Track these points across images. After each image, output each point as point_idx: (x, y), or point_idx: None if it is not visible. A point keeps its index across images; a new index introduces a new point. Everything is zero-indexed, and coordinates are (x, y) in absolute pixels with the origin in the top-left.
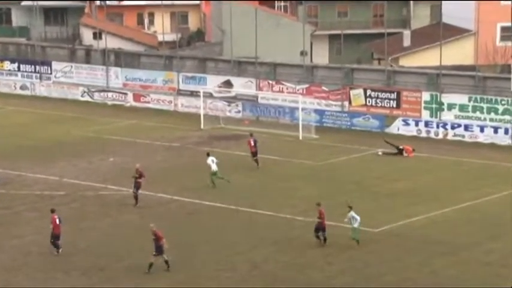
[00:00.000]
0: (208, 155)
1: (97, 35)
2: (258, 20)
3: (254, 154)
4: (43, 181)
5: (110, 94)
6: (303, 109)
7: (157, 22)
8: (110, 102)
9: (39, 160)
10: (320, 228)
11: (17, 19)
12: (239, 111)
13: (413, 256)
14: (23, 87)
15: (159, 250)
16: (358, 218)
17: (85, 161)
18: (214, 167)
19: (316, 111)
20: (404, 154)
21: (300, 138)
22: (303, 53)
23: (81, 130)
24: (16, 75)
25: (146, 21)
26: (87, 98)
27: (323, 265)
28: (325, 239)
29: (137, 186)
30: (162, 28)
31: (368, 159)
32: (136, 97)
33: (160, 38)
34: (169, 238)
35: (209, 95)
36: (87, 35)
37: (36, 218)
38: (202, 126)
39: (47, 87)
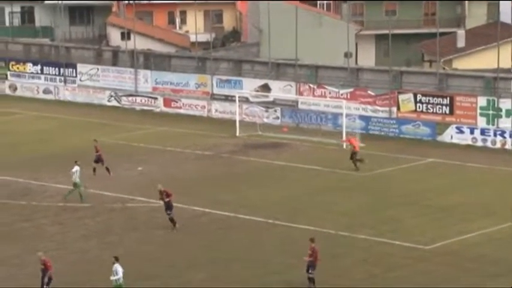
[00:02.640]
0: (75, 162)
1: (125, 35)
2: (299, 19)
3: None
4: (66, 192)
5: (138, 99)
6: (347, 115)
7: (189, 21)
8: (138, 108)
9: (62, 169)
10: (311, 266)
11: (41, 18)
12: (277, 118)
13: (466, 277)
14: (46, 91)
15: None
16: (120, 272)
17: (111, 170)
18: (76, 178)
19: (361, 117)
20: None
21: (344, 147)
22: (347, 55)
23: (107, 137)
24: (39, 78)
25: (178, 20)
26: (114, 103)
27: (368, 286)
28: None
29: (168, 207)
30: (195, 28)
31: (418, 170)
32: (167, 102)
33: (192, 38)
34: (200, 254)
35: (245, 100)
36: (114, 35)
37: (59, 231)
38: (237, 134)
39: (72, 91)
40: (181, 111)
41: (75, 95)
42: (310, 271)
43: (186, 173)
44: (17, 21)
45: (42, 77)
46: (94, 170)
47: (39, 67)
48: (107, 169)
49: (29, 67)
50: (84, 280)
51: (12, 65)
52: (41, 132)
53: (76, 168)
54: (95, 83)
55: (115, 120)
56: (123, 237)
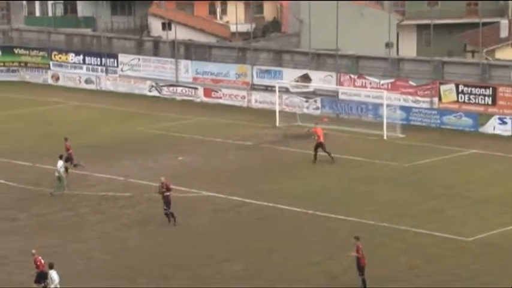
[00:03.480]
0: (60, 157)
1: (166, 26)
2: (340, 10)
3: None
4: (107, 181)
5: (179, 89)
6: (387, 106)
7: (230, 12)
8: (179, 98)
9: (103, 159)
10: (359, 266)
11: (83, 9)
12: (318, 108)
13: (507, 269)
14: (88, 81)
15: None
16: (56, 279)
17: (151, 160)
18: (61, 173)
19: (402, 108)
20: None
21: (385, 137)
22: (388, 45)
23: (148, 127)
24: (81, 68)
25: (218, 10)
26: (154, 93)
27: (408, 277)
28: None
29: (166, 202)
30: (236, 18)
31: (459, 161)
32: (207, 92)
33: (233, 28)
34: (241, 244)
35: (285, 90)
36: (155, 26)
37: (100, 221)
38: (277, 124)
39: (113, 81)
40: (222, 101)
41: (116, 85)
42: (362, 272)
43: (227, 163)
44: (59, 12)
45: (84, 67)
46: (66, 169)
47: (81, 57)
48: (75, 166)
49: (71, 57)
50: (124, 269)
51: (55, 55)
52: (82, 121)
53: (60, 163)
54: (136, 73)
55: (155, 111)
56: (163, 227)
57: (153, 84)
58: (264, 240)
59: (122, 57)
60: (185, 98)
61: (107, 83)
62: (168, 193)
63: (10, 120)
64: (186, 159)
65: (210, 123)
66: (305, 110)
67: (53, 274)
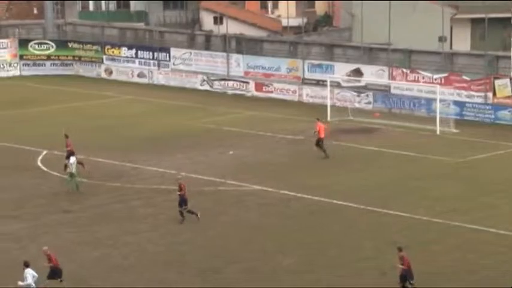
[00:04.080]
0: (72, 154)
1: (217, 20)
2: (392, 3)
3: None
4: (159, 175)
5: (230, 83)
6: (440, 100)
7: (281, 6)
8: (230, 92)
9: (155, 152)
10: (405, 275)
11: (135, 3)
12: (369, 103)
13: None
14: (140, 75)
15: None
16: (29, 278)
17: (203, 154)
18: (72, 168)
19: (455, 103)
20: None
21: (438, 132)
22: (441, 39)
23: (199, 121)
24: (133, 62)
25: (270, 4)
26: (206, 87)
27: (462, 274)
28: None
29: (182, 201)
30: (287, 12)
31: None
32: (258, 86)
33: (284, 22)
34: (291, 238)
35: (337, 85)
36: (207, 20)
37: (152, 214)
38: (328, 118)
39: (165, 75)
40: (273, 95)
41: (168, 79)
42: (410, 281)
43: (277, 157)
44: (112, 6)
45: (137, 61)
46: (65, 166)
47: (133, 51)
48: (66, 166)
49: (124, 51)
50: (176, 261)
51: (108, 49)
52: (134, 115)
53: (73, 159)
54: (187, 67)
55: (207, 104)
56: (214, 220)
57: (205, 78)
58: (314, 234)
59: (174, 51)
60: (236, 92)
61: (159, 77)
62: (180, 192)
63: (64, 113)
64: (236, 153)
65: (260, 118)
66: (357, 105)
67: (28, 273)
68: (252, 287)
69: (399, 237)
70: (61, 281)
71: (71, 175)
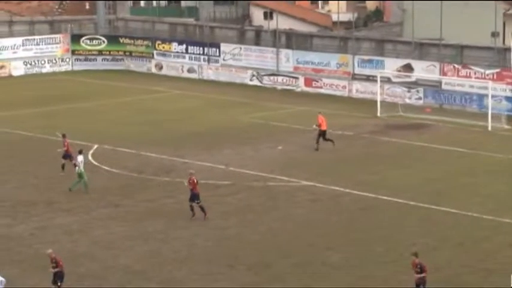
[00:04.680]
0: (80, 152)
1: (267, 15)
2: None
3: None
4: (208, 169)
5: (279, 78)
6: (492, 96)
7: (332, 1)
8: (279, 87)
9: (204, 147)
10: (420, 284)
11: None
12: (420, 98)
13: None
14: (190, 70)
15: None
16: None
17: (252, 148)
18: (80, 168)
19: (507, 98)
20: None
21: (489, 128)
22: (494, 34)
23: (248, 116)
24: (184, 57)
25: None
26: (255, 82)
27: None
28: None
29: (193, 196)
30: (337, 7)
31: None
32: (308, 81)
33: (334, 18)
34: (341, 234)
35: (387, 80)
36: (257, 15)
37: None
38: (378, 114)
39: (215, 70)
40: (322, 90)
41: (218, 74)
42: None
43: (326, 152)
44: (163, 2)
45: (187, 56)
46: (63, 166)
47: (184, 46)
48: (75, 165)
49: (174, 46)
50: (225, 256)
51: (158, 45)
52: (184, 110)
53: (81, 158)
54: (237, 62)
55: (256, 99)
56: (263, 215)
57: (254, 73)
58: (364, 230)
59: (223, 47)
60: (286, 87)
61: (209, 72)
62: (191, 187)
63: (114, 108)
64: (285, 149)
65: (310, 113)
66: (407, 100)
67: None
68: (303, 282)
69: (450, 234)
70: (60, 285)
71: (80, 175)
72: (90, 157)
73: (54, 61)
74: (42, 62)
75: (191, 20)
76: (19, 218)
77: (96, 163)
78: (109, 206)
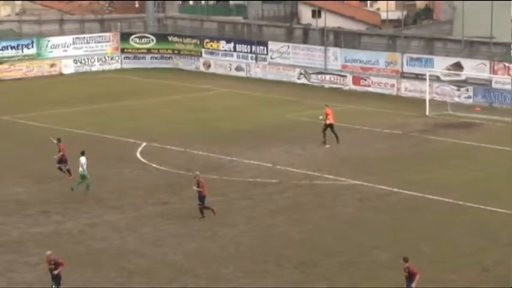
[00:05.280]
0: (82, 154)
1: (316, 13)
2: None
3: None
4: (256, 168)
5: (327, 76)
6: None
7: None
8: (327, 85)
9: (251, 145)
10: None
11: None
12: (470, 97)
13: None
14: (238, 69)
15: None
16: None
17: (299, 147)
18: (83, 170)
19: None
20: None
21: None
22: None
23: (296, 114)
24: (232, 55)
25: None
26: (303, 81)
27: None
28: None
29: (199, 197)
30: (386, 5)
31: None
32: (356, 80)
33: (383, 16)
34: (388, 233)
35: (436, 79)
36: (305, 13)
37: (248, 206)
38: (427, 113)
39: (263, 68)
40: (370, 89)
41: (265, 72)
42: None
43: (374, 151)
44: (212, 0)
45: (235, 54)
46: (60, 169)
47: (232, 45)
48: (68, 171)
49: (222, 45)
50: (272, 254)
51: (206, 43)
52: (232, 108)
53: (84, 160)
54: (285, 60)
55: (303, 98)
56: (310, 214)
57: (302, 71)
58: (412, 229)
59: (271, 45)
60: (333, 85)
61: (257, 71)
62: (198, 189)
63: (163, 106)
64: (333, 147)
65: (358, 111)
66: (456, 99)
67: None
68: (351, 281)
69: (500, 234)
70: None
71: (83, 177)
72: (138, 155)
73: (103, 59)
74: (92, 60)
75: (239, 18)
76: (69, 215)
77: (144, 161)
78: (157, 203)
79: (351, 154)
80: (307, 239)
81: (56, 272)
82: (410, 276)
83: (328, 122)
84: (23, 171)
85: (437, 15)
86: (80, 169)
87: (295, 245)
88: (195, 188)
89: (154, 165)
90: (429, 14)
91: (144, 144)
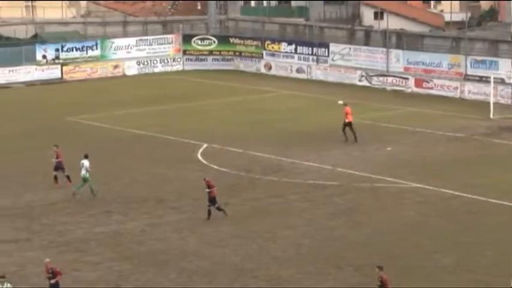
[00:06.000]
0: (86, 157)
1: (378, 15)
2: None
3: None
4: (316, 170)
5: (389, 79)
6: None
7: (444, 0)
8: (389, 88)
9: (311, 147)
10: None
11: None
12: None
13: None
14: (299, 70)
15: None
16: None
17: (359, 149)
18: (85, 173)
19: None
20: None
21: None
22: None
23: (357, 117)
24: (293, 57)
25: None
26: (364, 83)
27: None
28: None
29: (210, 199)
30: (450, 7)
31: None
32: (418, 82)
33: (447, 17)
34: (450, 237)
35: (501, 81)
36: (367, 15)
37: (308, 208)
38: (491, 116)
39: (324, 70)
40: (433, 91)
41: (326, 74)
42: None
43: (437, 154)
44: (274, 2)
45: (296, 56)
46: (55, 178)
47: (293, 47)
48: (67, 177)
49: (284, 47)
50: (332, 256)
51: (268, 45)
52: (292, 110)
53: (85, 162)
54: (346, 62)
55: (365, 100)
56: (371, 217)
57: (363, 73)
58: (474, 233)
59: (332, 47)
60: (395, 88)
61: (318, 72)
62: (208, 190)
63: (224, 107)
64: (394, 150)
65: (420, 114)
66: None
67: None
68: (413, 285)
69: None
70: None
71: (84, 179)
72: (199, 156)
73: (166, 61)
74: (155, 62)
75: (301, 20)
76: (130, 215)
77: (205, 162)
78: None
79: (412, 157)
80: (368, 241)
81: (53, 282)
82: (382, 285)
83: (347, 120)
84: None
85: (502, 16)
86: (83, 172)
87: (355, 248)
88: (206, 190)
89: (214, 167)
90: (494, 16)
91: (204, 145)
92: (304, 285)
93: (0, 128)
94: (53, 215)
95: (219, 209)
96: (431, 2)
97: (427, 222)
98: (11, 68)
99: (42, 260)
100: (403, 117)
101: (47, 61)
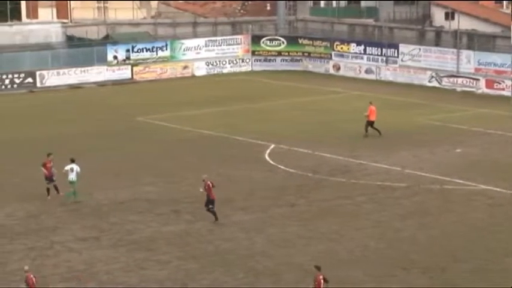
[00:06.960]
0: (72, 161)
1: (449, 15)
2: None
3: None
4: (384, 171)
5: (459, 80)
6: None
7: None
8: (459, 89)
9: (380, 148)
10: None
11: None
12: None
13: None
14: (368, 71)
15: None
16: None
17: (428, 151)
18: (72, 176)
19: None
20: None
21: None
22: None
23: (426, 118)
24: (362, 58)
25: None
26: (434, 84)
27: None
28: None
29: (208, 201)
30: None
31: None
32: (489, 83)
33: None
34: None
35: None
36: (438, 15)
37: (375, 210)
38: None
39: (393, 71)
40: (504, 93)
41: (396, 75)
42: None
43: (507, 156)
44: (343, 2)
45: (365, 57)
46: (48, 190)
47: (362, 47)
48: (55, 187)
49: (353, 47)
50: (399, 258)
51: (336, 45)
52: (361, 111)
53: (75, 167)
54: (416, 63)
55: (434, 101)
56: (439, 219)
57: (433, 74)
58: None
59: (402, 48)
60: (466, 89)
61: (387, 73)
62: (206, 192)
63: (291, 108)
64: (464, 151)
65: (490, 115)
66: None
67: None
68: None
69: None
70: None
71: (71, 183)
72: (267, 157)
73: (234, 61)
74: (224, 63)
75: (370, 21)
76: (198, 215)
77: (273, 163)
78: (285, 205)
79: (482, 158)
80: (436, 244)
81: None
82: (315, 286)
83: (370, 119)
84: (155, 171)
85: None
86: (70, 176)
87: (422, 250)
88: (201, 189)
89: (282, 167)
90: None
91: (272, 146)
92: (369, 287)
93: (71, 128)
94: (121, 213)
95: (209, 210)
96: (504, 2)
97: (497, 224)
98: (83, 69)
99: (112, 258)
100: (473, 119)
101: (117, 62)
